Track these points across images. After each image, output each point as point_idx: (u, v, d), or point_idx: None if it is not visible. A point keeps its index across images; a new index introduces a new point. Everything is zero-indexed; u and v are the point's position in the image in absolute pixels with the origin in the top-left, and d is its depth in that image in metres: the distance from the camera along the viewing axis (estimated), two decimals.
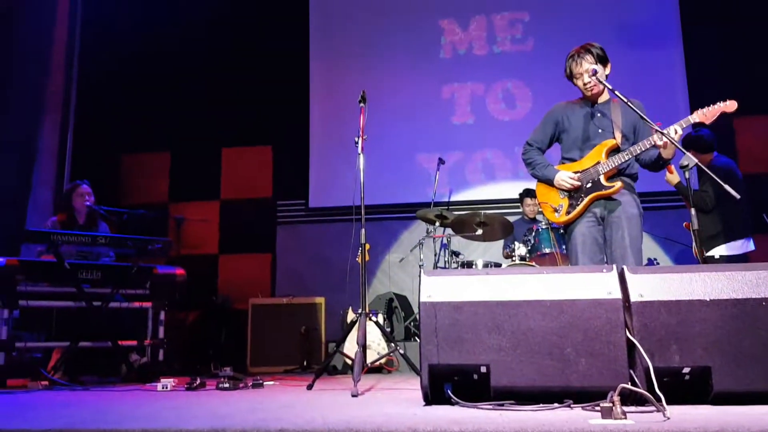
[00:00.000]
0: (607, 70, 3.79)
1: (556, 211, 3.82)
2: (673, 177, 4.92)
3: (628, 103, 3.54)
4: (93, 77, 7.94)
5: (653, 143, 3.51)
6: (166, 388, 3.85)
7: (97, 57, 7.93)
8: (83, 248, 4.87)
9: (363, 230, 4.11)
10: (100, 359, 4.89)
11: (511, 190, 7.13)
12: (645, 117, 3.51)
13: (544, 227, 5.63)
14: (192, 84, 8.19)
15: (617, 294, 2.56)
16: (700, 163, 3.41)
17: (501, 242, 6.48)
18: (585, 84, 3.77)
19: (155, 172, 8.35)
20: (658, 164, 3.69)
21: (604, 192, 3.67)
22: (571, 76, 3.85)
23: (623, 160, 3.64)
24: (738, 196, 3.23)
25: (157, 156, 8.40)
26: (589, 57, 3.73)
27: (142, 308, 4.96)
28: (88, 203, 5.39)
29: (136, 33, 8.11)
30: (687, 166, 3.35)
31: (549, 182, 3.85)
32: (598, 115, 3.82)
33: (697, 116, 3.49)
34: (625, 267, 2.67)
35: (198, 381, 3.90)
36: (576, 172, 3.76)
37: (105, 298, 4.62)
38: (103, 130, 8.04)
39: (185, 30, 8.15)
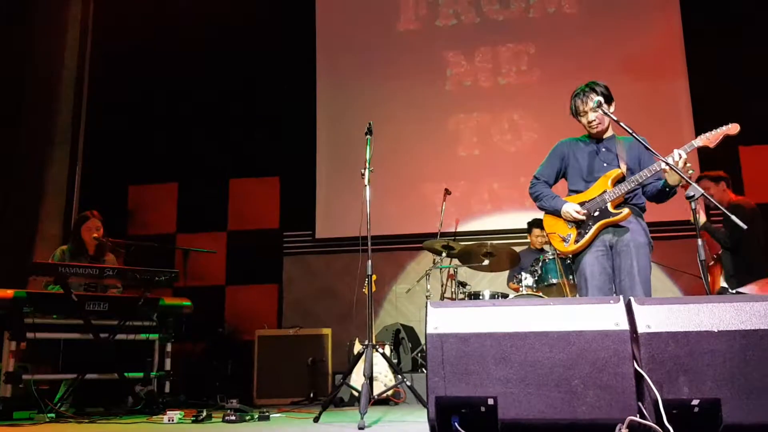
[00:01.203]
0: (612, 109, 3.81)
1: (564, 240, 3.82)
2: (701, 217, 4.92)
3: (633, 134, 3.55)
4: (101, 109, 8.03)
5: (658, 170, 3.53)
6: (173, 420, 3.84)
7: (106, 89, 8.03)
8: (92, 280, 4.88)
9: (369, 261, 4.12)
10: (106, 391, 4.88)
11: (517, 220, 7.14)
12: (650, 147, 3.52)
13: (551, 257, 5.62)
14: (199, 116, 8.27)
15: (624, 325, 2.55)
16: (706, 194, 3.40)
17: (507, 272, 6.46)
18: (590, 122, 3.82)
19: (163, 204, 8.40)
20: (665, 192, 3.69)
21: (612, 219, 3.67)
22: (576, 114, 3.88)
23: (630, 188, 3.66)
24: (744, 227, 3.23)
25: (165, 187, 8.46)
26: (593, 95, 3.77)
27: (148, 340, 4.96)
28: (96, 236, 5.40)
29: (144, 65, 8.23)
30: (693, 196, 3.35)
31: (556, 213, 3.86)
32: (603, 150, 3.85)
33: (701, 141, 3.51)
34: (632, 298, 2.66)
35: (204, 413, 3.89)
36: (582, 203, 3.77)
37: (112, 330, 4.62)
38: (111, 161, 8.13)
39: (193, 62, 8.27)
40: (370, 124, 4.33)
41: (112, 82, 8.06)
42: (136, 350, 4.88)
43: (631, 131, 3.54)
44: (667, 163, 3.40)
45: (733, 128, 3.50)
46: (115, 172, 8.22)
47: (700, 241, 3.42)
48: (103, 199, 7.53)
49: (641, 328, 2.53)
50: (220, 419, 3.84)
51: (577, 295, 3.98)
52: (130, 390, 4.72)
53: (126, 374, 4.67)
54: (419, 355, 6.50)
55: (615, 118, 3.62)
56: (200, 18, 8.17)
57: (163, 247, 7.33)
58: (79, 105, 7.89)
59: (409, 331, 6.86)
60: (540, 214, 4.11)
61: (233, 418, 3.79)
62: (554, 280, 5.53)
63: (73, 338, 4.60)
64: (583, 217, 3.72)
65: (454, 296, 6.08)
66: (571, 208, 3.77)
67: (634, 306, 2.61)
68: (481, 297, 5.84)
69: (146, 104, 8.28)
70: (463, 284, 6.22)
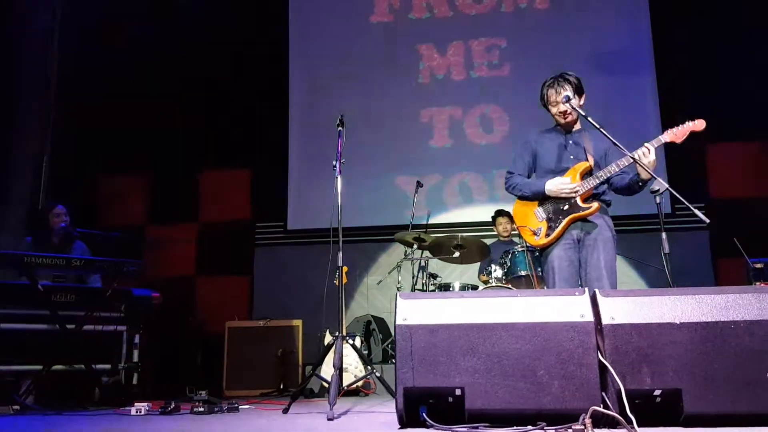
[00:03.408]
0: (582, 101, 3.83)
1: (534, 234, 3.85)
2: None
3: (600, 129, 3.59)
4: (71, 97, 7.89)
5: (627, 165, 3.59)
6: (140, 412, 3.81)
7: (76, 77, 7.89)
8: (58, 271, 4.81)
9: (341, 253, 4.12)
10: (73, 383, 4.82)
11: (488, 212, 7.16)
12: (617, 143, 3.56)
13: (519, 249, 5.67)
14: (171, 106, 8.17)
15: (590, 317, 2.60)
16: (671, 189, 3.46)
17: (478, 264, 6.52)
18: (561, 112, 3.83)
19: (133, 194, 8.31)
20: (637, 185, 3.69)
21: (582, 213, 3.71)
22: (546, 104, 3.90)
23: (598, 182, 3.70)
24: (707, 221, 3.29)
25: (135, 178, 8.36)
26: (567, 86, 3.79)
27: (116, 331, 4.90)
28: (62, 225, 5.33)
29: (115, 55, 8.10)
30: (658, 191, 3.41)
31: (540, 195, 3.85)
32: (571, 143, 3.88)
33: (667, 136, 3.58)
34: (597, 290, 2.71)
35: (172, 405, 3.86)
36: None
37: (79, 321, 4.57)
38: (80, 150, 7.99)
39: (164, 53, 8.16)
40: (341, 116, 4.33)
41: (82, 70, 7.91)
42: (104, 341, 4.82)
43: (598, 126, 3.58)
44: (632, 158, 3.46)
45: (699, 124, 3.57)
46: (85, 161, 8.09)
47: (664, 235, 3.49)
48: (72, 188, 7.41)
49: (606, 320, 2.58)
50: (189, 411, 3.83)
51: (545, 287, 4.02)
52: (97, 382, 4.68)
53: (93, 366, 4.62)
54: (389, 346, 6.53)
55: (584, 113, 3.66)
56: (173, 10, 8.07)
57: (132, 238, 7.25)
58: (48, 91, 7.75)
59: (380, 322, 6.89)
60: (505, 205, 4.12)
61: (202, 409, 3.77)
62: (523, 272, 5.59)
63: (39, 329, 4.53)
64: (578, 189, 3.72)
65: (424, 288, 6.12)
66: (560, 182, 3.75)
67: (599, 298, 2.65)
68: (451, 289, 5.88)
69: (117, 93, 8.14)
70: (433, 276, 6.26)
